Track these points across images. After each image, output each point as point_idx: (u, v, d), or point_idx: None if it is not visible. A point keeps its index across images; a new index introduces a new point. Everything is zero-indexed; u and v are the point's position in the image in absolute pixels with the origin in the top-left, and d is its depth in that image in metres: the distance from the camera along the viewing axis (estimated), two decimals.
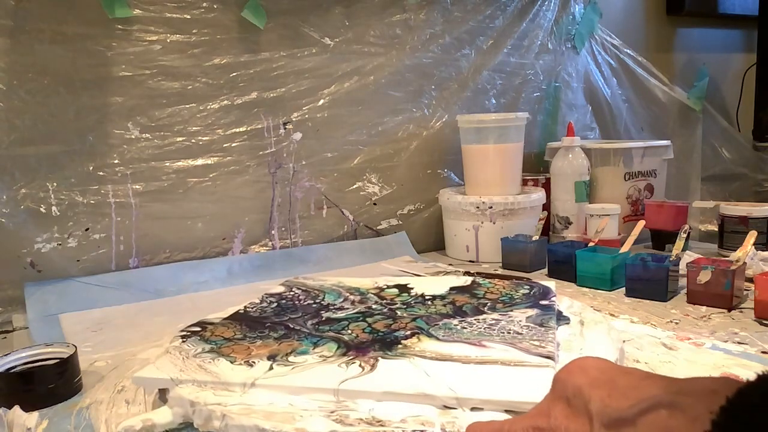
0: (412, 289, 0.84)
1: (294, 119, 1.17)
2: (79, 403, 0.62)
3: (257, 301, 0.81)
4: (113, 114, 1.01)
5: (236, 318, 0.74)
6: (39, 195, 0.96)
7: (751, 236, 0.88)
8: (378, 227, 1.29)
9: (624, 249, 0.97)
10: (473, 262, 1.21)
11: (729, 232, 1.12)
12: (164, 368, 0.58)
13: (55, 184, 0.97)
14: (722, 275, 0.83)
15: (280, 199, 1.18)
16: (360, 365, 0.57)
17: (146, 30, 1.02)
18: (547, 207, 1.25)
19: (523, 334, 0.64)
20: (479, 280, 0.87)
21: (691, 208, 1.24)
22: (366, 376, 0.55)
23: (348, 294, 0.83)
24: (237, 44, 1.10)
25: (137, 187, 1.04)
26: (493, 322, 0.68)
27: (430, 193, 1.32)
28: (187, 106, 1.06)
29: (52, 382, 0.61)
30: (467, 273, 1.09)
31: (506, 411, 0.49)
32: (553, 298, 0.76)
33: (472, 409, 0.50)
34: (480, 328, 0.67)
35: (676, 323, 0.79)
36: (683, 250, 0.97)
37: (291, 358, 0.60)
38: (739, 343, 0.71)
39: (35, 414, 0.56)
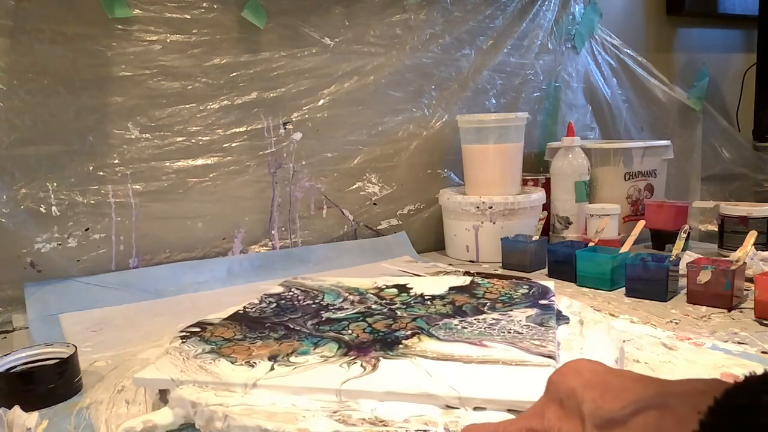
0: (412, 289, 0.84)
1: (294, 119, 1.17)
2: (79, 403, 0.61)
3: (256, 301, 0.81)
4: (113, 114, 1.01)
5: (236, 318, 0.74)
6: (39, 195, 0.96)
7: (751, 236, 0.88)
8: (378, 227, 1.29)
9: (624, 249, 0.97)
10: (473, 262, 1.21)
11: (729, 232, 1.12)
12: (165, 369, 0.58)
13: (55, 184, 0.97)
14: (722, 275, 0.83)
15: (280, 199, 1.18)
16: (361, 365, 0.57)
17: (146, 30, 1.02)
18: (547, 207, 1.25)
19: (524, 333, 0.64)
20: (478, 280, 0.87)
21: (691, 208, 1.24)
22: (368, 376, 0.55)
23: (347, 294, 0.83)
24: (237, 44, 1.10)
25: (137, 187, 1.04)
26: (494, 321, 0.69)
27: (430, 193, 1.32)
28: (187, 106, 1.06)
29: (52, 382, 0.61)
30: (467, 273, 1.09)
31: (509, 410, 0.49)
32: (552, 298, 0.76)
33: (475, 408, 0.50)
34: (480, 327, 0.67)
35: (676, 323, 0.79)
36: (683, 250, 0.97)
37: (292, 359, 0.60)
38: (739, 343, 0.71)
39: (35, 414, 0.56)
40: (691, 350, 0.69)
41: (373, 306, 0.77)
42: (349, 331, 0.68)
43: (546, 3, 1.43)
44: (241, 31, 1.10)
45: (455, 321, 0.69)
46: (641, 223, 1.02)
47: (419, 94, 1.30)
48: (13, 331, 0.90)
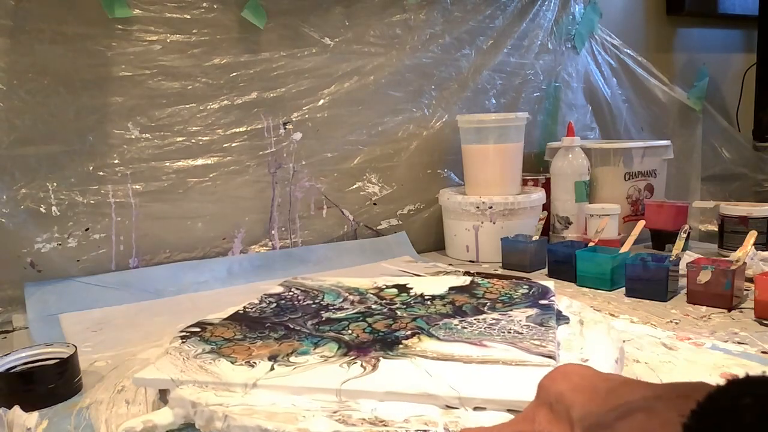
0: (411, 289, 0.84)
1: (294, 119, 1.17)
2: (79, 403, 0.61)
3: (256, 301, 0.81)
4: (113, 114, 1.01)
5: (236, 318, 0.74)
6: (39, 195, 0.96)
7: (751, 236, 0.88)
8: (378, 227, 1.29)
9: (624, 249, 0.97)
10: (473, 262, 1.21)
11: (729, 232, 1.12)
12: (165, 369, 0.58)
13: (55, 184, 0.97)
14: (722, 275, 0.83)
15: (280, 199, 1.18)
16: (362, 365, 0.57)
17: (146, 30, 1.02)
18: (547, 207, 1.25)
19: (524, 333, 0.64)
20: (478, 280, 0.87)
21: (691, 208, 1.24)
22: (368, 376, 0.55)
23: (347, 294, 0.83)
24: (237, 44, 1.10)
25: (137, 187, 1.04)
26: (494, 321, 0.68)
27: (430, 193, 1.32)
28: (187, 106, 1.06)
29: (52, 382, 0.61)
30: (467, 273, 1.09)
31: (508, 410, 0.49)
32: (552, 298, 0.76)
33: (475, 408, 0.50)
34: (480, 327, 0.67)
35: (676, 323, 0.79)
36: (683, 250, 0.97)
37: (292, 359, 0.60)
38: (739, 343, 0.71)
39: (35, 414, 0.56)
40: (691, 350, 0.69)
41: (373, 306, 0.77)
42: (349, 331, 0.67)
43: (546, 3, 1.43)
44: (241, 31, 1.10)
45: (455, 321, 0.69)
46: (641, 223, 1.02)
47: (419, 94, 1.30)
48: (13, 331, 0.90)
